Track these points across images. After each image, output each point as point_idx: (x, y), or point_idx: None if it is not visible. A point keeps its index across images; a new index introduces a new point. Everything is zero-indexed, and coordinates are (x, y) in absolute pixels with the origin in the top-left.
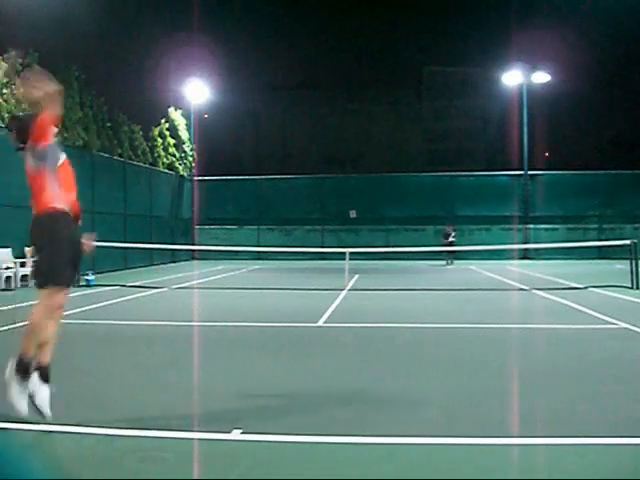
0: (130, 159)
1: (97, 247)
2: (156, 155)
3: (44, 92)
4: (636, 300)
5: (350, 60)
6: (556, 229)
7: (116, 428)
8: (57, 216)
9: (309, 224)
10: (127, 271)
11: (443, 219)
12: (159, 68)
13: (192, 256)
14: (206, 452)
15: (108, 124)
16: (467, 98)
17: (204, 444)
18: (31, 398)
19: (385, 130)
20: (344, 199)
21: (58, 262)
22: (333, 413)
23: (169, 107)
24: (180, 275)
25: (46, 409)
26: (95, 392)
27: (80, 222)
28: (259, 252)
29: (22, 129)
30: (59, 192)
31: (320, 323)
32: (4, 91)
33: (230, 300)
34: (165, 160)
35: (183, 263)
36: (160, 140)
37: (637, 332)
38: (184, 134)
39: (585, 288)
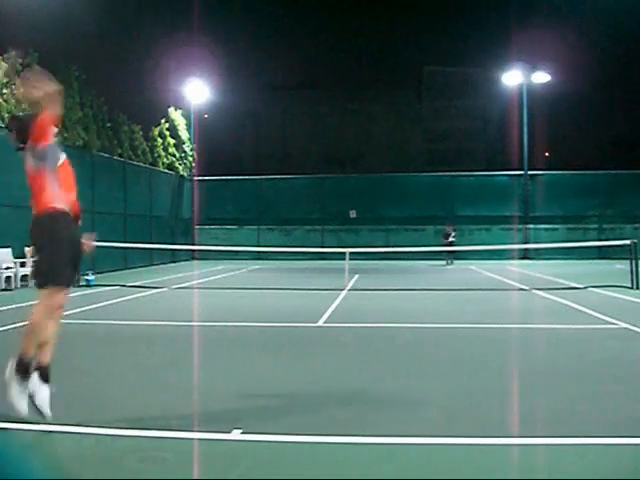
0: (130, 159)
1: (97, 247)
2: (156, 155)
3: (44, 92)
4: (636, 300)
5: (350, 60)
6: (556, 229)
7: (116, 428)
8: (57, 216)
9: (309, 224)
10: (127, 271)
11: (443, 219)
12: (159, 68)
13: (192, 256)
14: (206, 452)
15: (108, 124)
16: (467, 98)
17: (204, 444)
18: (31, 398)
19: (385, 130)
20: (344, 199)
21: (58, 262)
22: (333, 413)
23: (169, 107)
24: (180, 275)
25: (46, 409)
26: (95, 392)
27: (80, 222)
28: (259, 252)
29: (22, 129)
30: (59, 192)
31: (320, 323)
32: (4, 91)
33: (230, 300)
34: (165, 160)
35: (183, 263)
36: (160, 140)
37: (637, 332)
38: (184, 134)
39: (585, 288)
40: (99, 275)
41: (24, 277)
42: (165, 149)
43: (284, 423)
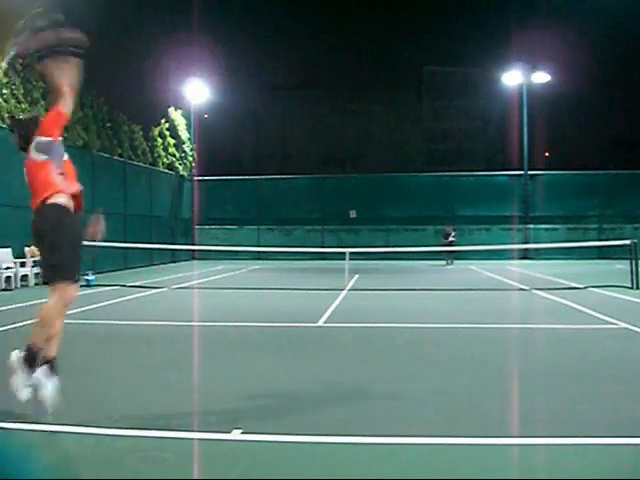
0: (130, 159)
1: (97, 247)
2: (156, 155)
3: (68, 83)
4: (636, 300)
5: (350, 60)
6: (556, 229)
7: (116, 428)
8: (60, 209)
9: (309, 224)
10: (127, 271)
11: (443, 219)
12: (159, 68)
13: (192, 256)
14: (206, 452)
15: (108, 124)
16: (467, 98)
17: (204, 444)
18: (35, 390)
19: (385, 130)
20: (344, 199)
21: (64, 256)
22: (333, 413)
23: (169, 107)
24: (180, 275)
25: (49, 403)
26: (95, 392)
27: (82, 212)
28: (259, 252)
29: (24, 131)
30: (63, 183)
31: (320, 323)
32: (4, 91)
33: (230, 300)
34: (165, 160)
35: (183, 263)
36: (160, 140)
37: (637, 332)
38: (184, 134)
39: (585, 288)
40: (99, 275)
41: (24, 277)
42: (165, 149)
43: (284, 423)
